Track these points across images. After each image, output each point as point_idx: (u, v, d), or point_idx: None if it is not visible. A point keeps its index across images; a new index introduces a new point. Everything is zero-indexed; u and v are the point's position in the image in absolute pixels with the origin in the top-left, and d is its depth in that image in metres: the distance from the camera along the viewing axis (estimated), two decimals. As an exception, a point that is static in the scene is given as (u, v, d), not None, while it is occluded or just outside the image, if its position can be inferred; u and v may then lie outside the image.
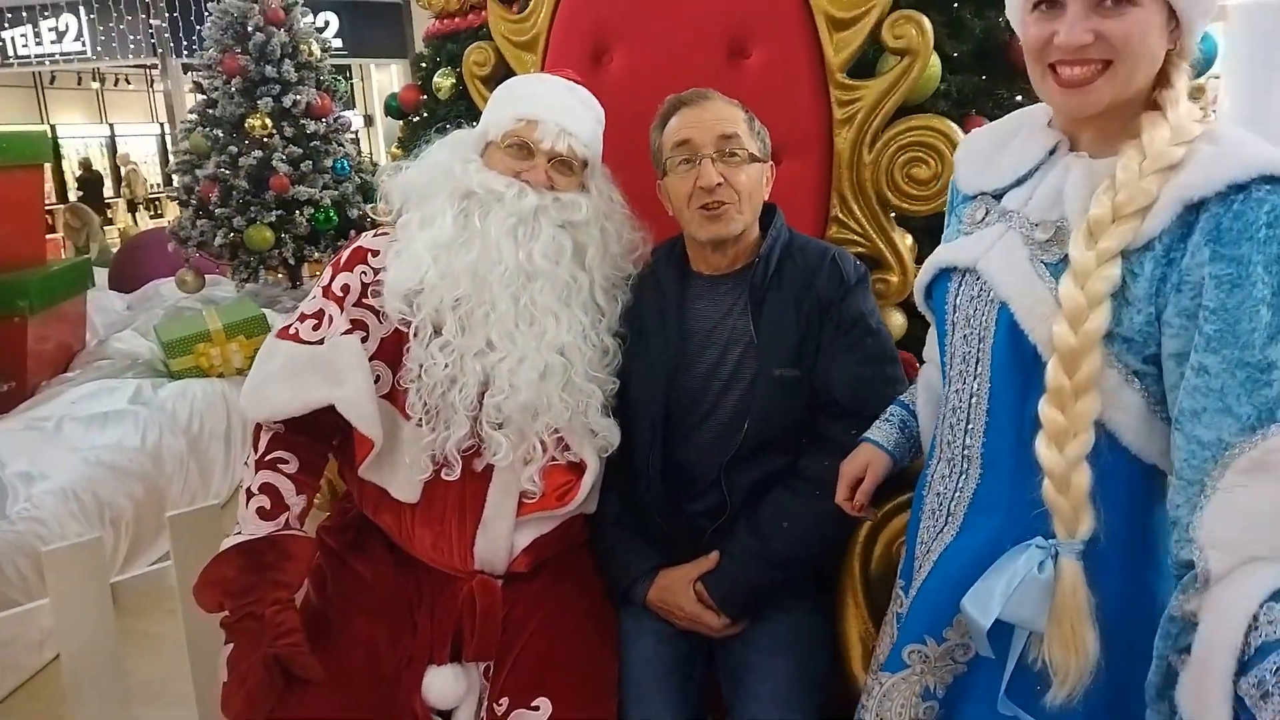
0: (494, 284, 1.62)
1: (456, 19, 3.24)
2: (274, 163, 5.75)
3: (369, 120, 15.44)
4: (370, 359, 1.66)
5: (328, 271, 1.75)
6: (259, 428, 1.67)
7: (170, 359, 4.65)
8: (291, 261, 5.96)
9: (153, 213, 17.49)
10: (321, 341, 1.65)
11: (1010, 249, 1.27)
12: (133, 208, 17.11)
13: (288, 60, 5.86)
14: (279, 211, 5.79)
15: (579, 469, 1.72)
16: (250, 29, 5.81)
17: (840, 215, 2.15)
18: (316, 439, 1.69)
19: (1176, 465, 1.09)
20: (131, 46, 13.02)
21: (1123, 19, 1.12)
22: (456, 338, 1.62)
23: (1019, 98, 2.71)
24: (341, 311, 1.67)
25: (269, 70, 5.80)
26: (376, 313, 1.68)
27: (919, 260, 2.16)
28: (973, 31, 2.69)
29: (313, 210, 5.83)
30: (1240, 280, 1.04)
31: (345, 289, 1.69)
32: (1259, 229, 1.03)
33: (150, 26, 12.67)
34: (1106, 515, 1.13)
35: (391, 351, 1.68)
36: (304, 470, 1.65)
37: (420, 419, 1.63)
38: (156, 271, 6.76)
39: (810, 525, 1.63)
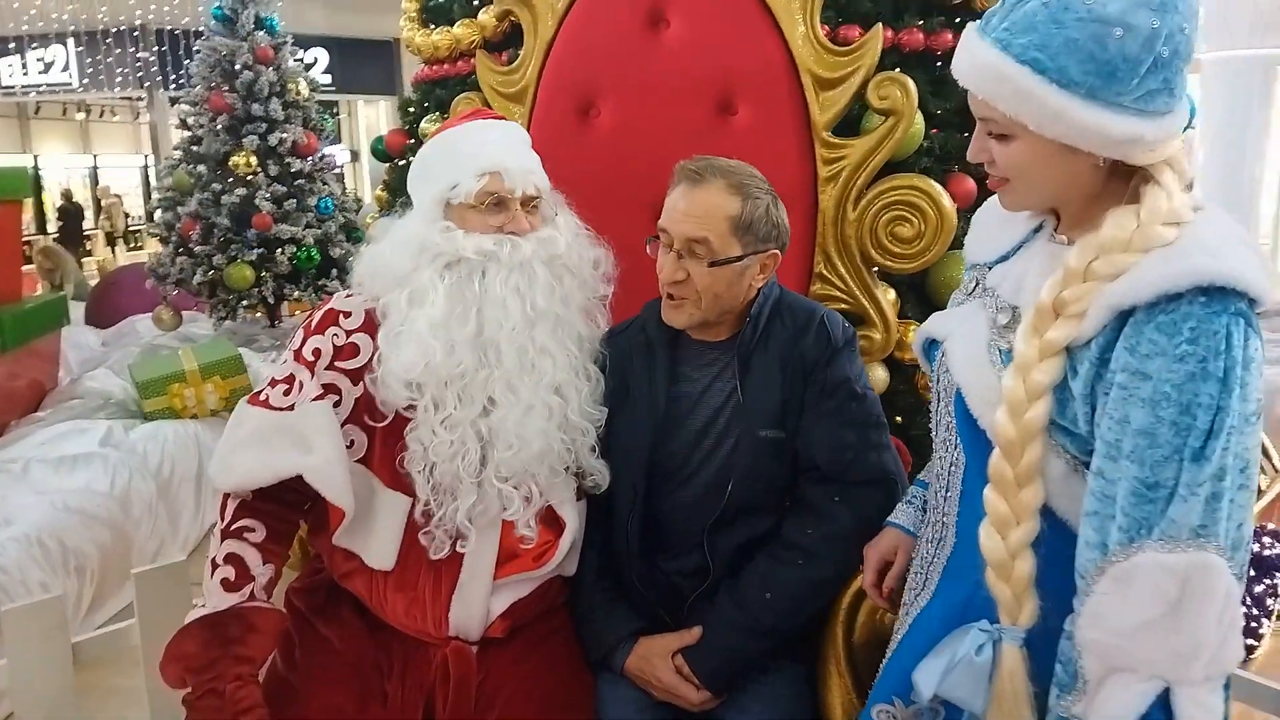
0: (502, 344, 1.60)
1: (445, 65, 3.22)
2: (257, 201, 5.74)
3: (355, 156, 15.46)
4: (343, 424, 1.63)
5: (298, 335, 1.71)
6: (226, 496, 1.62)
7: (144, 399, 4.57)
8: (271, 300, 5.93)
9: (131, 245, 17.39)
10: (292, 407, 1.61)
11: (973, 331, 1.27)
12: (111, 241, 17.01)
13: (275, 99, 5.86)
14: (260, 249, 5.77)
15: (557, 528, 1.68)
16: (238, 67, 5.81)
17: (824, 272, 2.14)
18: (285, 505, 1.64)
19: (1075, 560, 1.09)
20: (119, 79, 13.02)
21: (1006, 147, 1.15)
22: (457, 410, 1.59)
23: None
24: (312, 376, 1.63)
25: (255, 108, 5.80)
26: (349, 375, 1.64)
27: (901, 315, 2.17)
28: (955, 89, 2.69)
29: (295, 249, 5.80)
30: (1146, 398, 1.02)
31: (316, 353, 1.65)
32: (1178, 345, 1.01)
33: (138, 60, 12.68)
34: (1056, 598, 1.11)
35: (365, 413, 1.65)
36: (271, 539, 1.61)
37: (428, 499, 1.59)
38: (134, 307, 6.69)
39: (795, 595, 1.59)
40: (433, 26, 3.03)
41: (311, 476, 1.55)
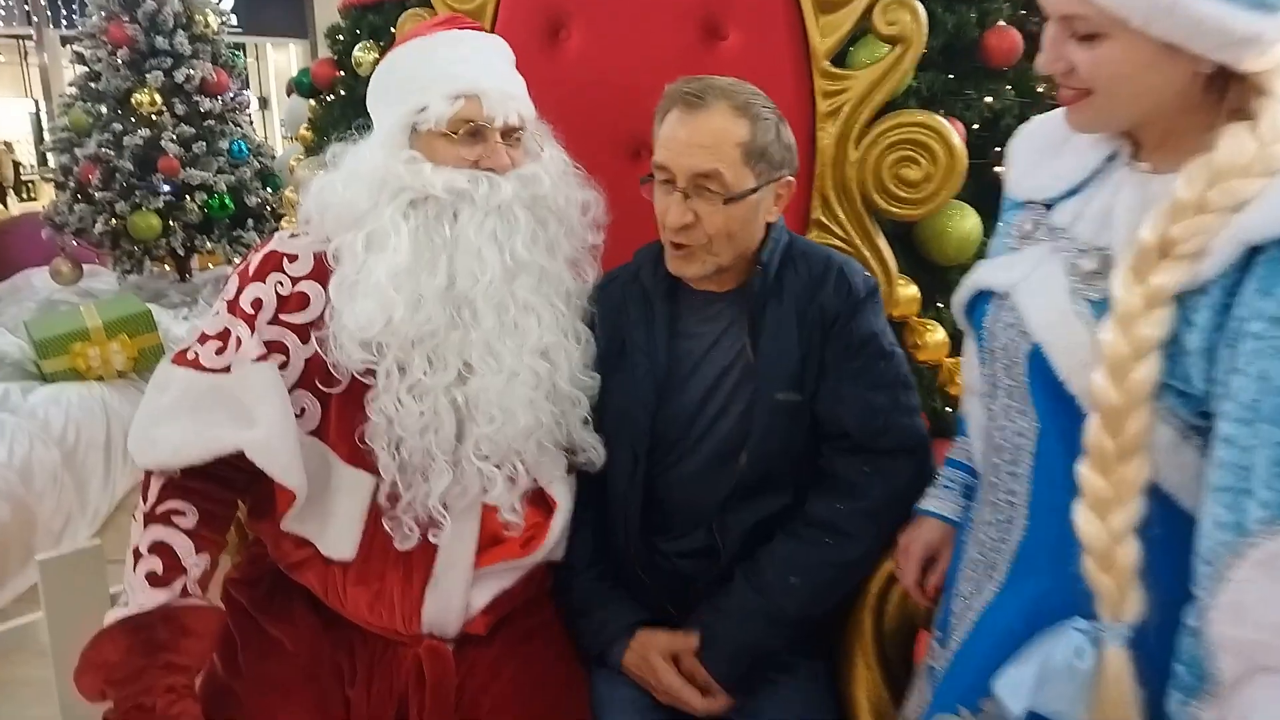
0: (478, 300, 1.39)
1: (378, -15, 2.91)
2: (163, 143, 5.29)
3: (264, 103, 14.69)
4: (291, 389, 1.39)
5: (233, 282, 1.46)
6: (149, 474, 1.36)
7: (43, 360, 4.17)
8: (181, 252, 5.50)
9: (24, 197, 16.30)
10: (228, 369, 1.37)
11: (1049, 278, 1.10)
12: (1, 192, 15.87)
13: (181, 31, 5.39)
14: (168, 196, 5.33)
15: (546, 509, 1.47)
16: (139, -4, 5.31)
17: (822, 218, 1.95)
18: (222, 484, 1.39)
19: (1195, 542, 0.93)
20: (1, 14, 12.03)
21: (1093, 51, 0.99)
22: (427, 375, 1.37)
23: (988, 99, 2.55)
24: (253, 332, 1.39)
25: (159, 41, 5.32)
26: (297, 330, 1.40)
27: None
28: (944, 26, 2.52)
29: (206, 196, 5.38)
30: None
31: (257, 304, 1.40)
32: None
33: (23, -8, 11.74)
34: (1163, 592, 0.96)
35: (318, 376, 1.40)
36: (205, 523, 1.36)
37: (394, 479, 1.38)
38: (29, 260, 6.15)
39: (823, 578, 1.42)
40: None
41: (254, 452, 1.31)
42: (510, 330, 1.42)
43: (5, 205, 15.20)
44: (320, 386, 1.41)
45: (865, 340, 1.47)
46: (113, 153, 5.31)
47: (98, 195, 5.29)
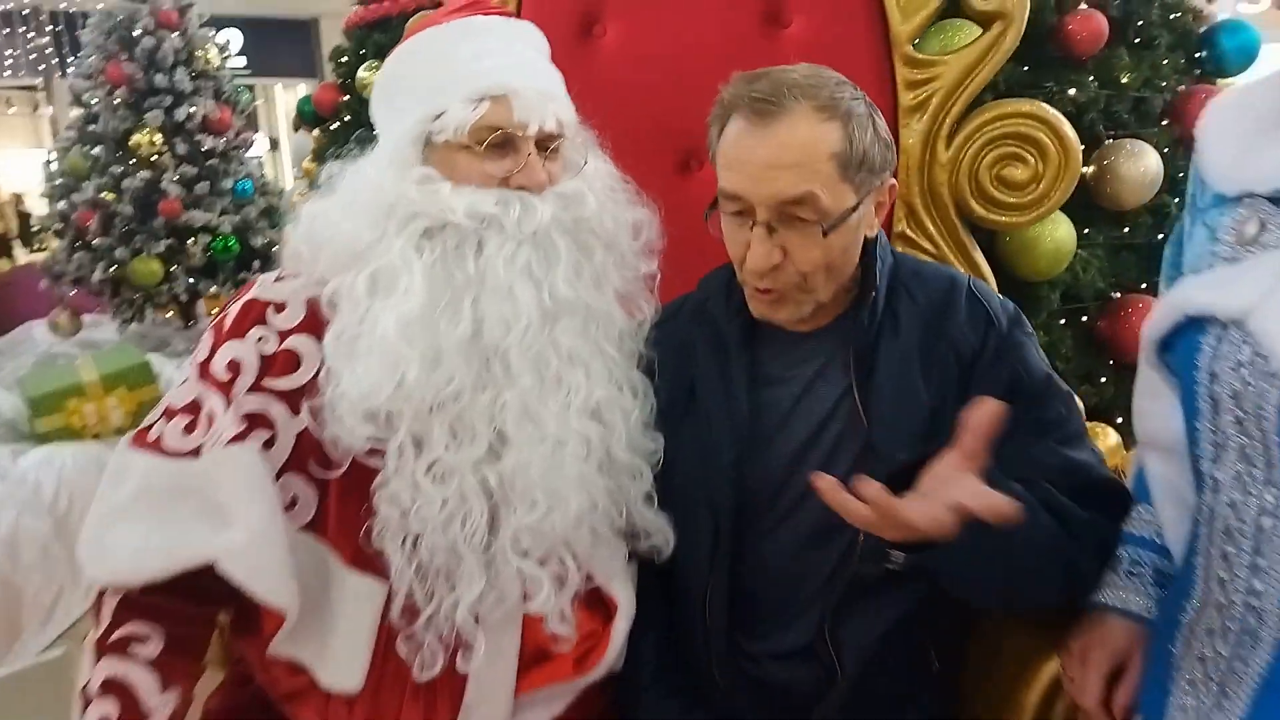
0: (511, 352, 1.12)
1: (386, 2, 2.66)
2: (164, 185, 5.04)
3: (274, 144, 14.61)
4: (278, 474, 1.13)
5: (206, 339, 1.19)
6: (102, 591, 1.11)
7: (36, 418, 3.90)
8: (184, 298, 5.23)
9: (35, 248, 16.21)
10: (197, 452, 1.10)
11: None
12: (6, 244, 15.75)
13: (181, 68, 5.15)
14: (169, 240, 5.06)
15: (604, 612, 1.16)
16: (137, 33, 5.10)
17: (908, 230, 1.66)
18: (194, 598, 1.10)
19: None
20: (9, 64, 11.97)
21: None
22: (450, 451, 1.10)
23: (1071, 91, 2.23)
24: (228, 404, 1.12)
25: (159, 79, 5.09)
26: (285, 399, 1.13)
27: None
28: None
29: (210, 238, 5.11)
30: None
31: (234, 367, 1.14)
32: None
33: (29, 42, 11.68)
34: None
35: (312, 457, 1.12)
36: (173, 650, 1.08)
37: (411, 587, 1.10)
38: (31, 313, 5.93)
39: (1045, 547, 1.06)
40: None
41: (230, 563, 1.01)
42: (553, 388, 1.15)
43: (12, 257, 15.09)
44: (315, 470, 1.12)
45: (1039, 382, 1.16)
46: (112, 197, 5.07)
47: (96, 242, 5.05)
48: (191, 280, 5.19)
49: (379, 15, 2.76)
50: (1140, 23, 2.22)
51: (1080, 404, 1.38)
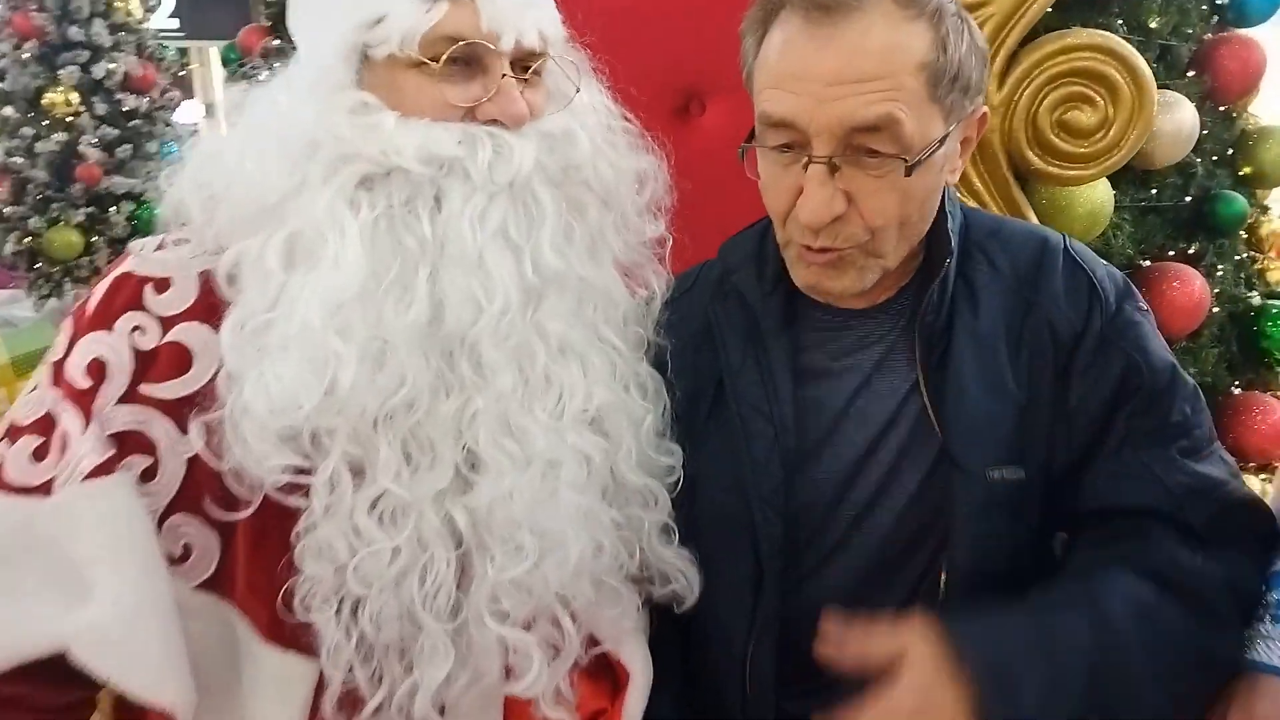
0: (483, 343, 0.86)
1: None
2: (82, 148, 4.65)
3: (210, 110, 14.01)
4: (160, 518, 0.85)
5: (64, 331, 0.90)
6: None
7: (-64, 405, 3.53)
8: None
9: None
10: (48, 487, 0.82)
11: None
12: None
13: (98, 20, 4.73)
14: (90, 208, 4.69)
15: (611, 682, 0.89)
16: (47, -20, 4.66)
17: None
18: (54, 684, 0.81)
19: None
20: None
21: None
22: (402, 480, 0.84)
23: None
24: (88, 422, 0.84)
25: (74, 32, 4.67)
26: (169, 410, 0.86)
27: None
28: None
29: (134, 206, 4.72)
30: None
31: (97, 371, 0.86)
32: None
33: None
34: None
35: (209, 491, 0.84)
36: None
37: (351, 666, 0.82)
38: (-62, 287, 5.49)
39: (1185, 661, 0.84)
40: None
41: (88, 651, 0.72)
42: (539, 390, 0.89)
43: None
44: (214, 510, 0.83)
45: (1153, 374, 0.91)
46: (24, 161, 4.66)
47: (8, 210, 4.68)
48: (114, 252, 4.80)
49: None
50: (1168, -40, 1.98)
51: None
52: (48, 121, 4.71)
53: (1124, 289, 0.97)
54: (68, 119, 4.72)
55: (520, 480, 0.84)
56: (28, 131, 4.68)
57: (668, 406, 0.98)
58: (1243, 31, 2.01)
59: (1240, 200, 2.01)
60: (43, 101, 4.68)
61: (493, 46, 0.87)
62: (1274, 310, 2.07)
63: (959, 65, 0.85)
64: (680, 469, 0.96)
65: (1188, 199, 1.99)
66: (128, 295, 0.87)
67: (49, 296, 4.90)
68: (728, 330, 0.99)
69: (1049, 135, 1.34)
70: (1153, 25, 1.96)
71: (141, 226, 4.84)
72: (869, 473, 0.95)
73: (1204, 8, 1.99)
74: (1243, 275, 2.17)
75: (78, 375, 0.84)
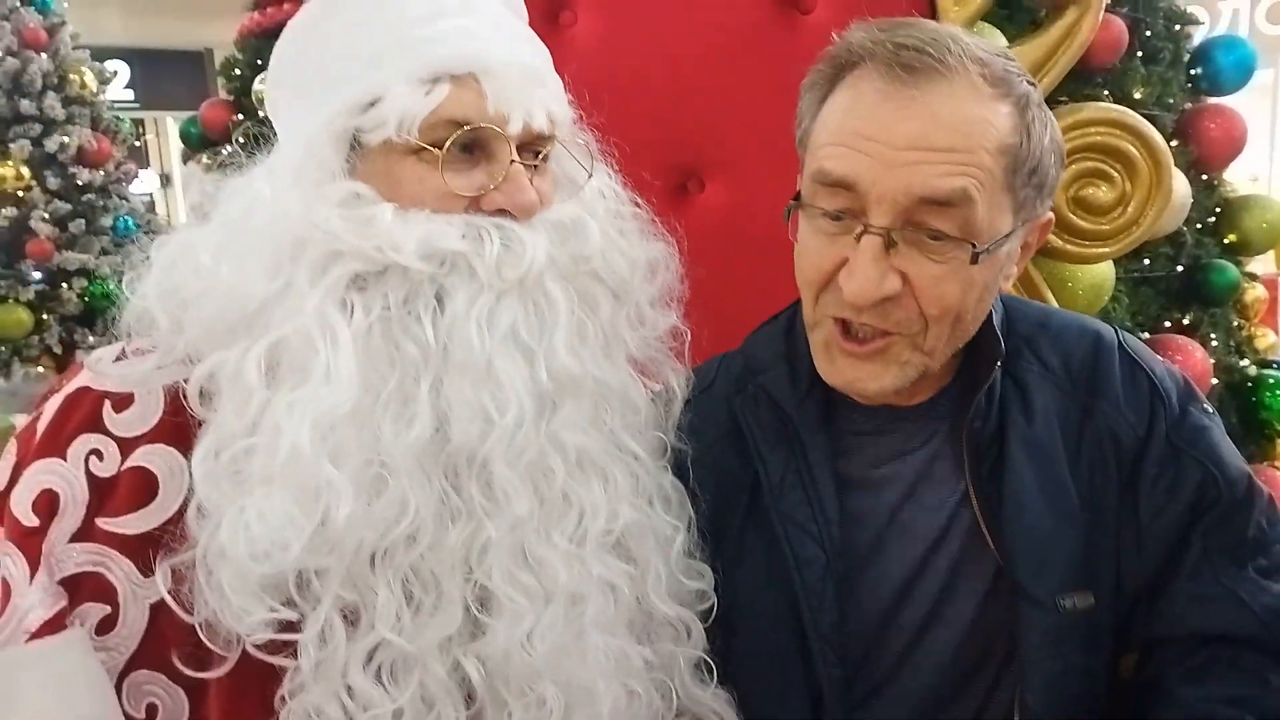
0: (495, 461, 0.76)
1: (286, 5, 2.25)
2: (33, 223, 4.51)
3: (166, 180, 13.91)
4: (120, 677, 0.74)
5: (8, 455, 0.78)
6: None
7: None
8: (58, 349, 4.67)
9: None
10: None
11: None
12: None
13: (52, 93, 4.63)
14: (40, 285, 4.53)
15: None
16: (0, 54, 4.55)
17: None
18: None
19: None
20: None
21: None
22: (405, 628, 0.73)
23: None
24: (33, 569, 0.72)
25: (25, 105, 4.56)
26: (129, 549, 0.75)
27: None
28: (1028, 14, 1.96)
29: (86, 282, 4.57)
30: None
31: (46, 505, 0.75)
32: None
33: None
34: None
35: (175, 644, 0.74)
36: None
37: None
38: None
39: None
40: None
41: None
42: (558, 513, 0.78)
43: None
44: (181, 669, 0.70)
45: (1229, 486, 0.83)
46: (-29, 238, 4.50)
47: (-47, 288, 4.48)
48: (65, 330, 4.64)
49: (279, 20, 2.34)
50: (1149, 34, 1.99)
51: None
52: (-3, 196, 4.58)
53: (1186, 389, 0.89)
54: (18, 193, 4.59)
55: (540, 621, 0.73)
56: (-25, 207, 4.54)
57: (693, 520, 0.89)
58: (1218, 100, 2.02)
59: (1232, 269, 1.99)
60: (-8, 176, 4.55)
61: (500, 130, 0.79)
62: (1271, 380, 2.04)
63: (1039, 159, 0.78)
64: (712, 594, 0.86)
65: (1179, 268, 1.97)
66: (84, 414, 0.76)
67: (-5, 377, 4.72)
68: (762, 439, 0.89)
69: (1066, 213, 1.29)
70: (1137, 96, 1.95)
71: (94, 304, 4.69)
72: (919, 595, 0.85)
73: (1181, 77, 1.99)
74: (1233, 343, 2.15)
75: (24, 511, 0.73)
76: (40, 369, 4.91)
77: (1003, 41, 1.45)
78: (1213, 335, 2.04)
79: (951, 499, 0.86)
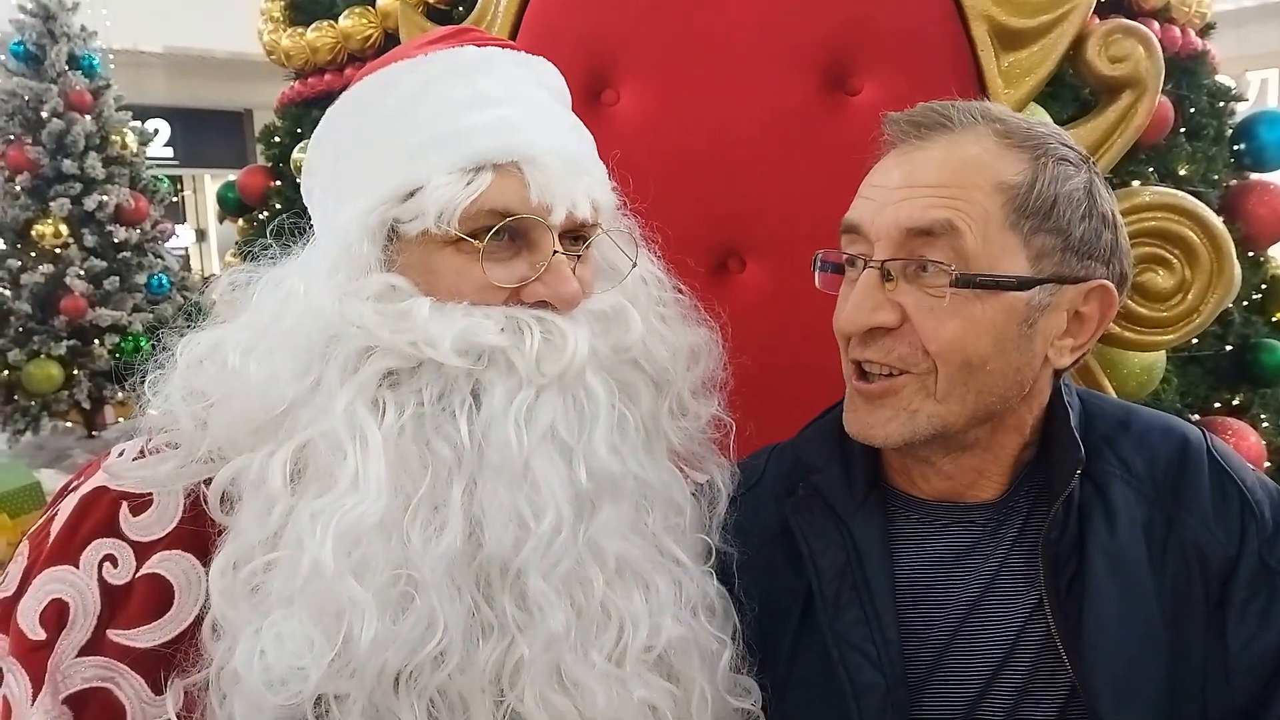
0: (531, 573, 0.71)
1: (327, 75, 2.27)
2: (68, 279, 4.56)
3: (201, 235, 14.20)
4: None
5: (18, 560, 0.74)
6: None
7: (-105, 553, 3.32)
8: (86, 404, 4.68)
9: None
10: None
11: None
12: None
13: (93, 153, 4.72)
14: (72, 341, 4.59)
15: None
16: (45, 115, 4.66)
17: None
18: None
19: None
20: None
21: None
22: None
23: (1135, 183, 1.94)
24: (36, 688, 0.68)
25: (68, 165, 4.65)
26: (141, 663, 0.70)
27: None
28: (1074, 93, 1.94)
29: (118, 338, 4.61)
30: None
31: (55, 617, 0.71)
32: None
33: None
34: None
35: None
36: None
37: None
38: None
39: None
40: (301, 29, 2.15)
41: None
42: (597, 627, 0.73)
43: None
44: None
45: None
46: (8, 293, 4.56)
47: (-12, 343, 4.53)
48: (94, 385, 4.67)
49: (319, 91, 2.36)
50: (1192, 110, 1.97)
51: None
52: (35, 253, 4.64)
53: (1276, 502, 0.83)
54: (56, 250, 4.65)
55: None
56: (14, 264, 4.60)
57: (738, 631, 0.83)
58: (1263, 176, 1.98)
59: (1283, 348, 1.93)
60: (32, 233, 4.62)
61: (543, 220, 0.76)
62: (1327, 464, 1.96)
63: (1053, 204, 0.77)
64: (760, 713, 0.80)
65: (1227, 347, 1.91)
66: (99, 518, 0.72)
67: (24, 431, 4.72)
68: (817, 547, 0.84)
69: (1125, 299, 1.24)
70: (1182, 173, 1.91)
71: (125, 357, 4.72)
72: (991, 713, 0.79)
73: (1226, 154, 1.96)
74: (1281, 424, 2.08)
75: (31, 624, 0.69)
76: (69, 424, 4.94)
77: (1048, 119, 1.43)
78: (1263, 416, 1.97)
79: (1019, 613, 0.80)
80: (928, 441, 0.80)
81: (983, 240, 0.76)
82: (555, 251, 0.77)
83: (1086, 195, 0.78)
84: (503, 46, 0.85)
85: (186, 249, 10.60)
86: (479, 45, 0.82)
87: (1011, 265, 0.76)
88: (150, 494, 0.73)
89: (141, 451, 0.76)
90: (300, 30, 2.19)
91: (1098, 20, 1.49)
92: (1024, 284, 0.77)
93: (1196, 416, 1.83)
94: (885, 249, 0.77)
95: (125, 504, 0.72)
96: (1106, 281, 0.80)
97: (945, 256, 0.76)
